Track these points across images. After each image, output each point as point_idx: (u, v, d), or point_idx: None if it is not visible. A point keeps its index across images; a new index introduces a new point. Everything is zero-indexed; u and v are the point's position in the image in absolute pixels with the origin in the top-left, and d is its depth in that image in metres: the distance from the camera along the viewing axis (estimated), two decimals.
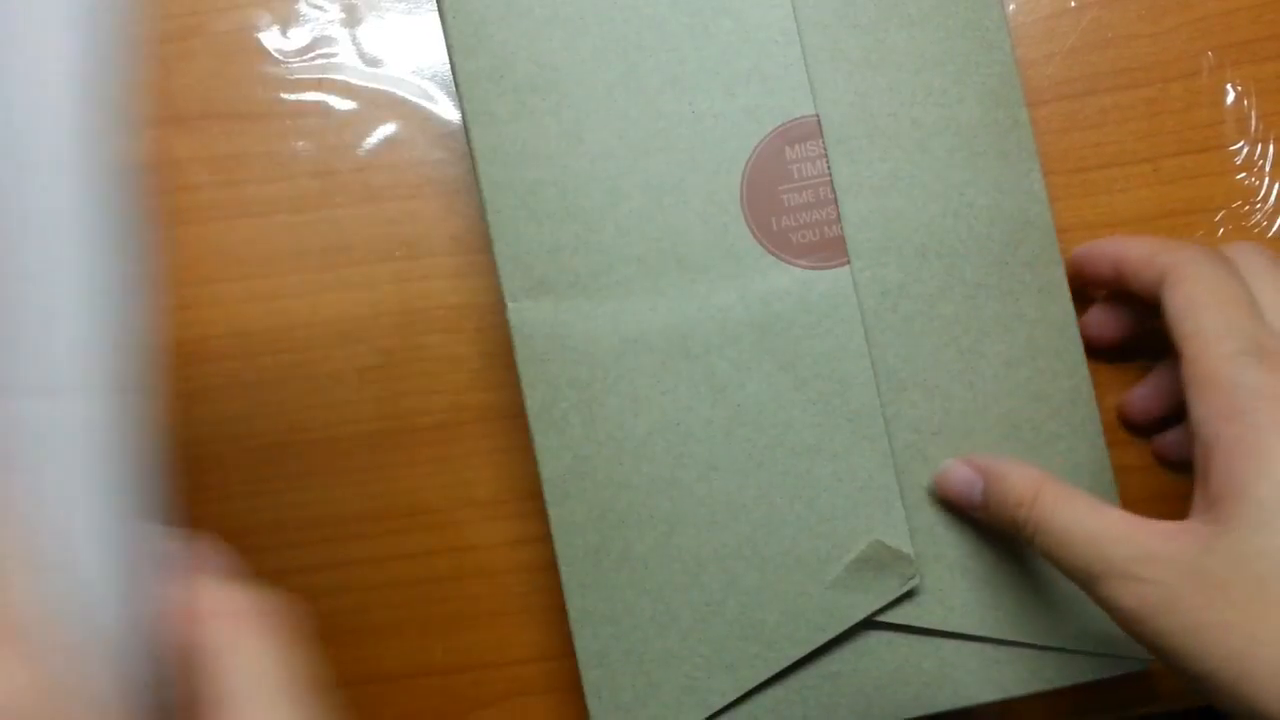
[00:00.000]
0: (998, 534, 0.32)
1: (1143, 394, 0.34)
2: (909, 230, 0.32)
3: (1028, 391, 0.32)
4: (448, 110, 0.38)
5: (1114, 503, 0.32)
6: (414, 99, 0.38)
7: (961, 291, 0.32)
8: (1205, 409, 0.26)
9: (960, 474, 0.31)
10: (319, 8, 0.39)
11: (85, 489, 0.21)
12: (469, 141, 0.32)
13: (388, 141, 0.38)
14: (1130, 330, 0.34)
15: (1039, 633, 0.32)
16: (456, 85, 0.32)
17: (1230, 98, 0.37)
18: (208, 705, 0.20)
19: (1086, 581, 0.27)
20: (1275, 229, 0.37)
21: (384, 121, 0.38)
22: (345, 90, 0.38)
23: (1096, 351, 0.33)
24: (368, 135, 0.38)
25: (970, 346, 0.32)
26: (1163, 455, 0.35)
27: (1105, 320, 0.34)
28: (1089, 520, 0.27)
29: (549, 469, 0.32)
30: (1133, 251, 0.31)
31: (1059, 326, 0.33)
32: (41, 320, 0.21)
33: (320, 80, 0.38)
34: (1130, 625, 0.26)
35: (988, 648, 0.32)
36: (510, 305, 0.32)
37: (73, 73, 0.21)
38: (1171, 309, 0.28)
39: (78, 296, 0.21)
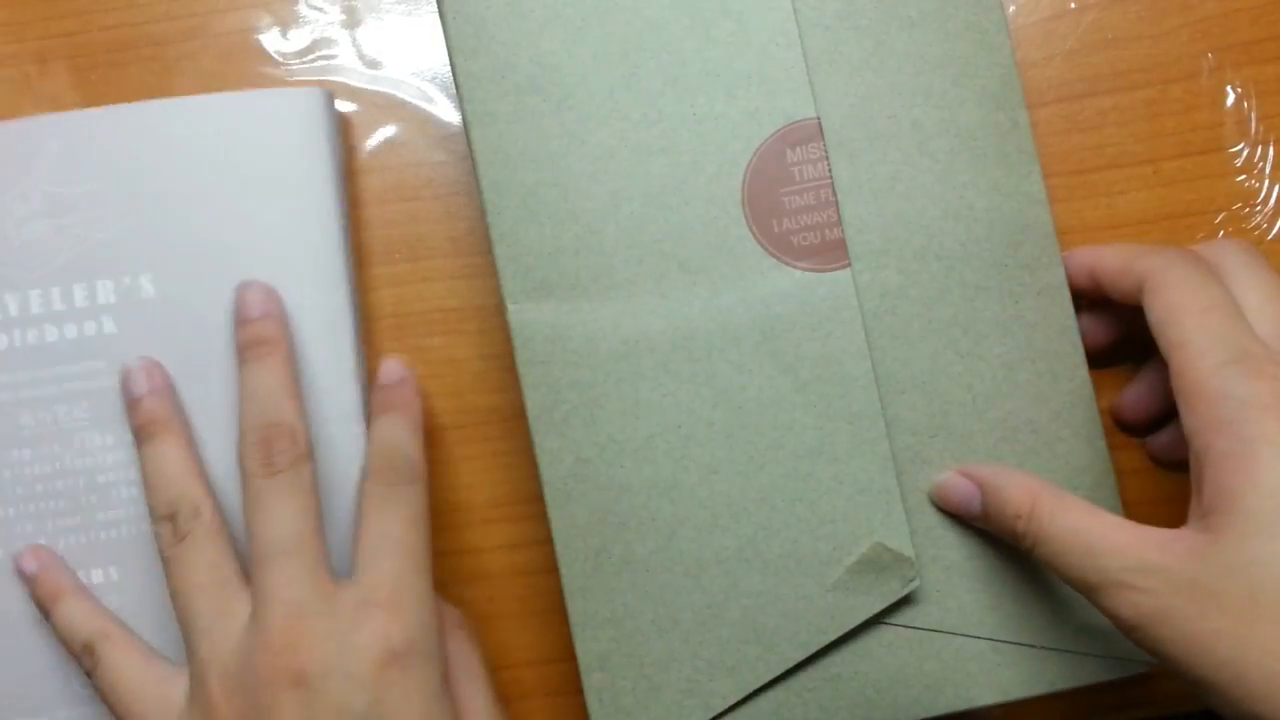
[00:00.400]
0: (998, 535, 0.32)
1: (1134, 394, 0.34)
2: (909, 232, 0.32)
3: (1028, 394, 0.32)
4: (447, 112, 0.38)
5: (1116, 506, 0.32)
6: (414, 101, 0.38)
7: (961, 294, 0.32)
8: (1195, 421, 0.26)
9: (958, 486, 0.31)
10: (319, 9, 0.39)
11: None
12: (469, 143, 0.32)
13: (387, 143, 0.38)
14: (1120, 334, 0.34)
15: (1040, 634, 0.32)
16: (457, 86, 0.32)
17: (1230, 99, 0.37)
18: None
19: (1086, 591, 0.27)
20: (1275, 231, 0.37)
21: (384, 123, 0.38)
22: (345, 92, 0.38)
23: (1090, 359, 0.33)
24: (367, 137, 0.38)
25: (969, 349, 0.32)
26: (1157, 457, 0.35)
27: (1093, 328, 0.33)
28: (1085, 530, 0.27)
29: (550, 472, 0.32)
30: (1107, 261, 0.31)
31: (1059, 329, 0.33)
32: (336, 377, 0.35)
33: (320, 82, 0.38)
34: (1129, 634, 0.27)
35: (989, 650, 0.32)
36: (511, 307, 0.32)
37: (327, 216, 0.36)
38: (1154, 318, 0.28)
39: (348, 359, 0.35)
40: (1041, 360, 0.32)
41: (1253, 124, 0.37)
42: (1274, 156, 0.37)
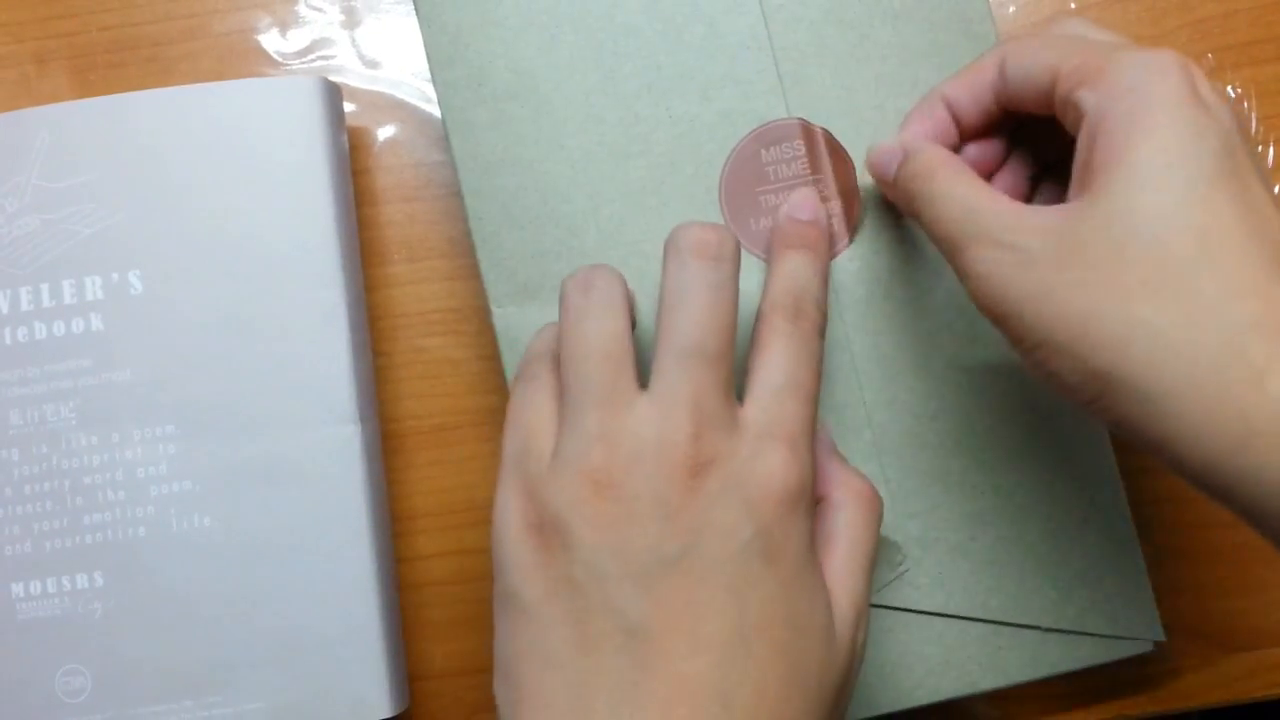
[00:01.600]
0: (998, 516, 0.32)
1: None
2: (897, 219, 0.32)
3: (1023, 372, 0.32)
4: None
5: (1118, 491, 0.32)
6: (413, 101, 0.38)
7: (954, 277, 0.32)
8: (1096, 97, 0.25)
9: (885, 148, 0.30)
10: (318, 10, 0.39)
11: (361, 478, 0.34)
12: (450, 150, 0.33)
13: (387, 143, 0.38)
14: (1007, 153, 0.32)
15: (1042, 615, 0.31)
16: (437, 94, 0.33)
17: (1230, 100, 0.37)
18: (821, 538, 0.27)
19: (953, 248, 0.27)
20: None
21: (383, 124, 0.38)
22: (344, 93, 0.38)
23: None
24: (367, 137, 0.38)
25: (965, 331, 0.32)
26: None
27: (983, 152, 0.31)
28: (975, 194, 0.27)
29: None
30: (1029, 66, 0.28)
31: None
32: (330, 376, 0.34)
33: None
34: (982, 291, 0.26)
35: (990, 633, 0.31)
36: (495, 310, 0.32)
37: (322, 209, 0.35)
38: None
39: (343, 357, 0.35)
40: None
41: (1253, 124, 0.37)
42: (1274, 157, 0.37)
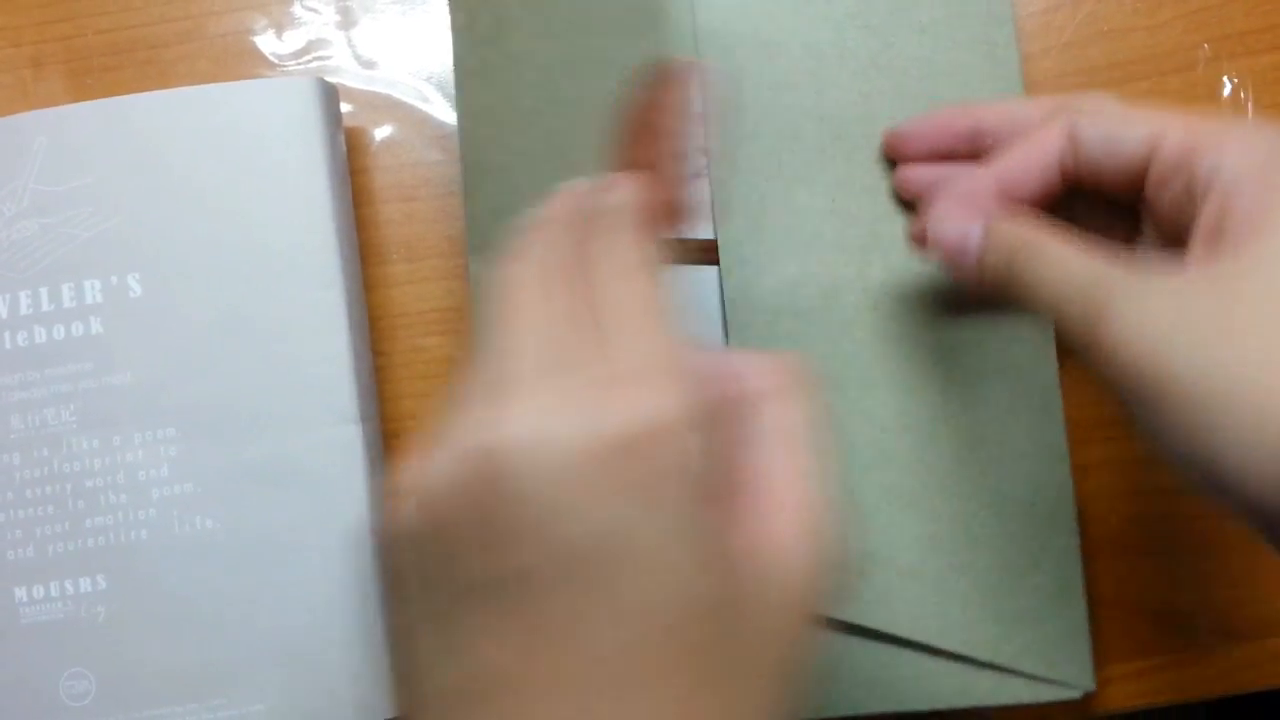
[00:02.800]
0: (952, 543, 0.31)
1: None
2: (896, 231, 0.32)
3: (997, 405, 0.32)
4: (444, 112, 0.38)
5: (1072, 526, 0.32)
6: (410, 101, 0.38)
7: (937, 298, 0.32)
8: (1227, 163, 0.24)
9: (953, 224, 0.28)
10: (314, 10, 0.39)
11: (362, 478, 0.34)
12: (457, 100, 0.33)
13: (384, 144, 0.38)
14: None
15: (980, 647, 0.31)
16: (453, 46, 0.33)
17: (1227, 90, 0.37)
18: (741, 444, 0.22)
19: (1085, 317, 0.24)
20: None
21: (380, 124, 0.38)
22: (341, 93, 0.38)
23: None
24: (363, 138, 0.38)
25: (942, 352, 0.32)
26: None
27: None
28: (1088, 257, 0.25)
29: None
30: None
31: (1033, 341, 0.32)
32: (331, 377, 0.34)
33: None
34: (1134, 353, 0.23)
35: (924, 658, 0.31)
36: (472, 259, 0.32)
37: (320, 210, 0.35)
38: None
39: (344, 358, 0.34)
40: (1012, 372, 0.32)
41: (1249, 114, 0.37)
42: None
